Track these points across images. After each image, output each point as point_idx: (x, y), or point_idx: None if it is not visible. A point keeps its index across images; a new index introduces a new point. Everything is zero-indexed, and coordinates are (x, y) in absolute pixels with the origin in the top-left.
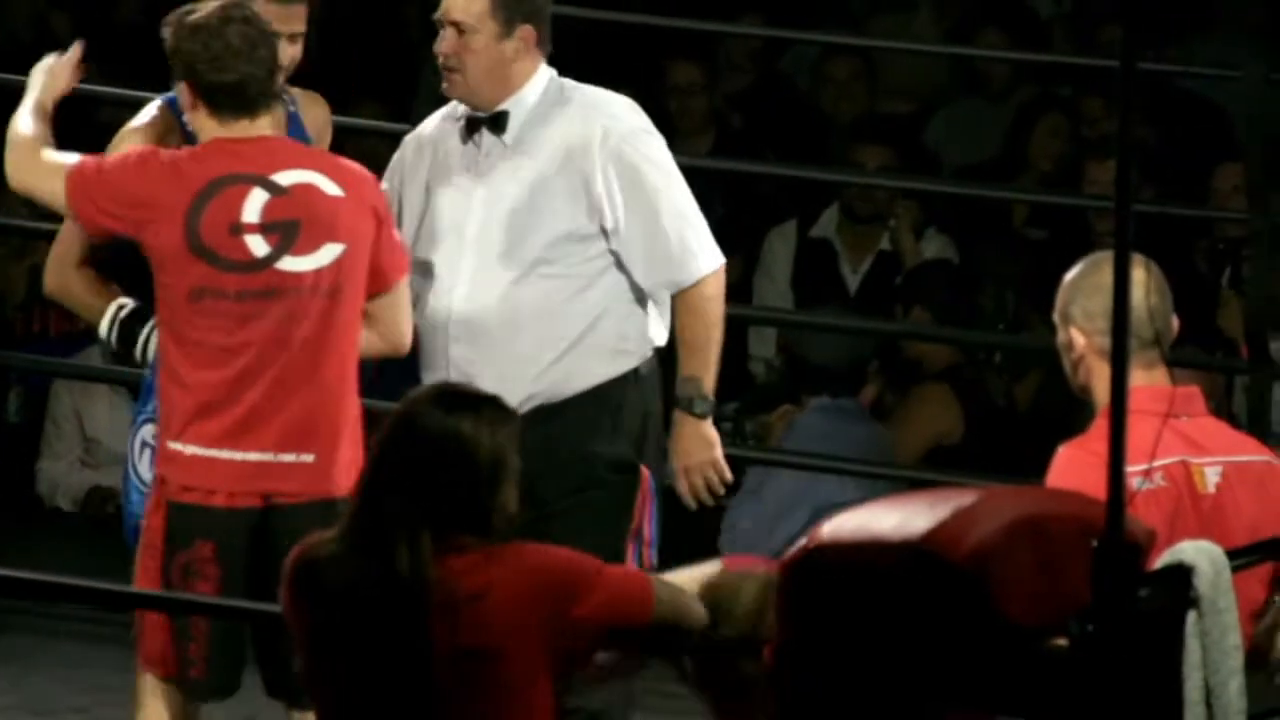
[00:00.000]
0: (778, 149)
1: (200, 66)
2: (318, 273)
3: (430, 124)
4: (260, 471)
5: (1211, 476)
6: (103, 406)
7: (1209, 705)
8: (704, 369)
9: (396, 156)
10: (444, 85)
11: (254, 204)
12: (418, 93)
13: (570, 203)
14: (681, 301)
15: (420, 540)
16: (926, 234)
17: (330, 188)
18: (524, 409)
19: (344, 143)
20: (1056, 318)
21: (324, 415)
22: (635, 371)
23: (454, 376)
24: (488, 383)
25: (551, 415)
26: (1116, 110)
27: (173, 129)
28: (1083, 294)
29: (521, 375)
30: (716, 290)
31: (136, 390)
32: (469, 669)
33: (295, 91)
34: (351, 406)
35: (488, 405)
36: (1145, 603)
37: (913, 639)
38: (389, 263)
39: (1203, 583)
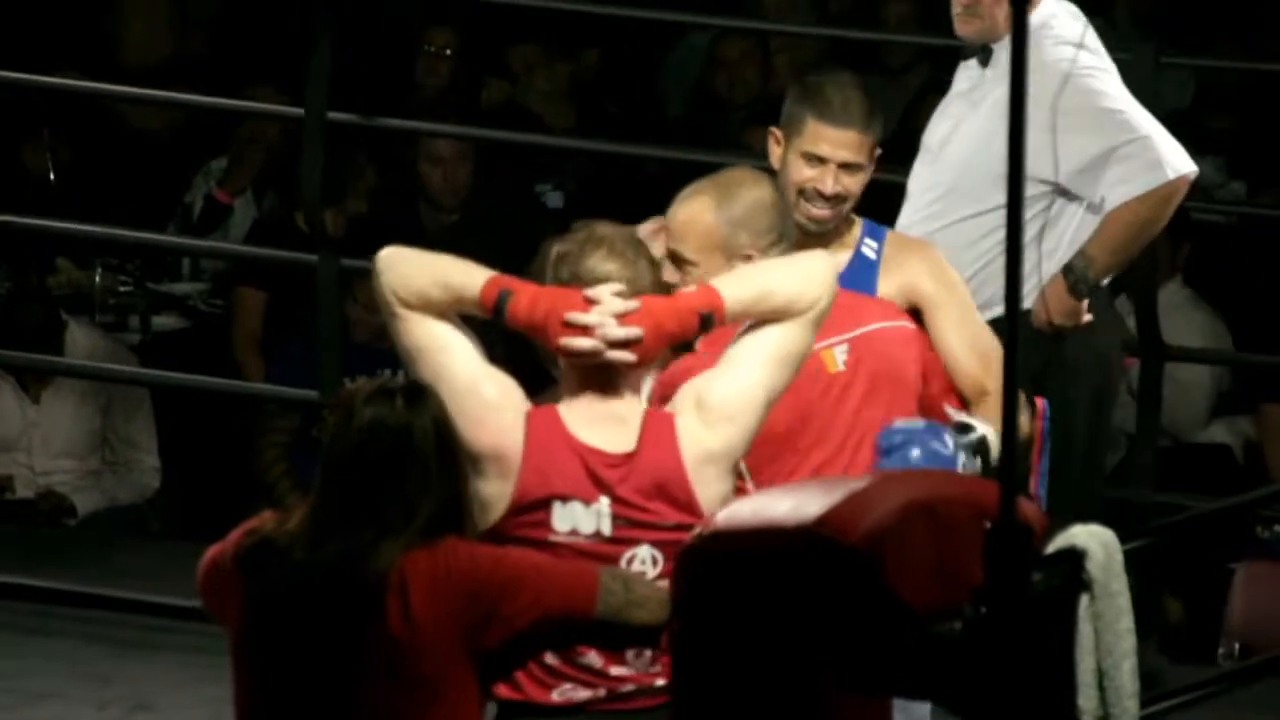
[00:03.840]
0: (677, 132)
1: None
2: None
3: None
4: None
5: (840, 355)
6: None
7: (1101, 688)
8: (1100, 251)
9: None
10: (961, 26)
11: None
12: (310, 74)
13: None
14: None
15: (395, 536)
16: None
17: None
18: None
19: (238, 125)
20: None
21: None
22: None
23: None
24: None
25: None
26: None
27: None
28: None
29: None
30: (1158, 198)
31: (24, 377)
32: (389, 657)
33: (894, 239)
34: None
35: (417, 396)
36: (1038, 585)
37: (808, 623)
38: None
39: (1095, 566)
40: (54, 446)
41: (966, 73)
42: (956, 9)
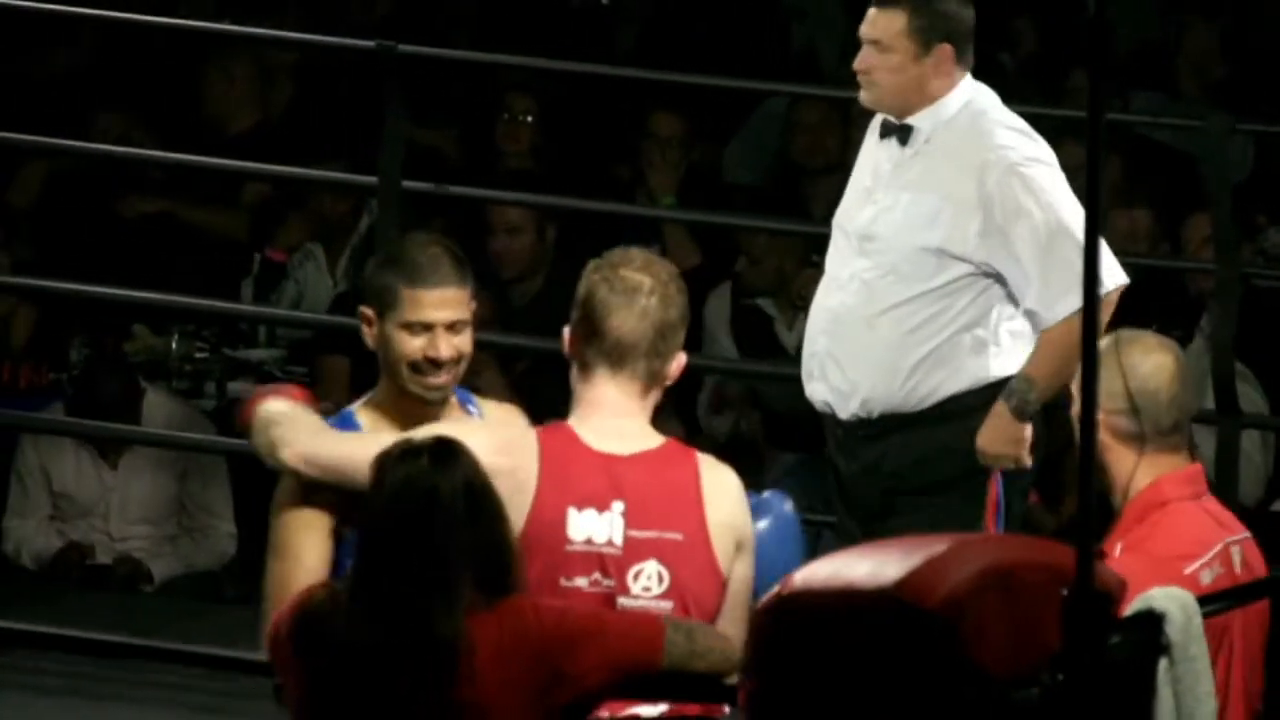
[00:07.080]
0: (755, 199)
1: None
2: None
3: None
4: None
5: (1236, 554)
6: (69, 461)
7: None
8: (1040, 373)
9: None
10: (861, 92)
11: None
12: (384, 142)
13: (951, 222)
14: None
15: (447, 599)
16: None
17: None
18: (874, 414)
19: (307, 198)
20: (1075, 390)
21: None
22: (987, 384)
23: (817, 364)
24: (844, 378)
25: (901, 425)
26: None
27: None
28: (1105, 371)
29: (875, 378)
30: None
31: (102, 444)
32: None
33: (489, 406)
34: None
35: (445, 454)
36: (1116, 650)
37: (885, 687)
38: None
39: (1174, 629)
40: (131, 512)
41: (886, 152)
42: (860, 75)
